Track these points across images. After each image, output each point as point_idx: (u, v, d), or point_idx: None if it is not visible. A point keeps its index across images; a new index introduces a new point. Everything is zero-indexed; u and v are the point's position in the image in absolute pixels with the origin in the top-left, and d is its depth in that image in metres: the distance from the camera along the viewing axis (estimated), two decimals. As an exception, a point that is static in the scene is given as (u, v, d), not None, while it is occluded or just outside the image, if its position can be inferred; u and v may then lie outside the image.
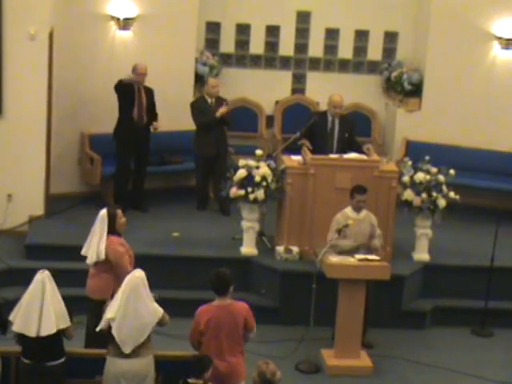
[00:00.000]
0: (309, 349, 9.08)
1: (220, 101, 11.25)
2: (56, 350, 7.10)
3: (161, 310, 7.12)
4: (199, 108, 11.21)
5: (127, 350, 6.95)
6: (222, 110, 11.08)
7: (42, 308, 6.94)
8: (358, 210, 9.13)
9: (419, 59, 12.61)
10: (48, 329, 6.94)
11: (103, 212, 8.10)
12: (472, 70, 12.30)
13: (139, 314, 6.98)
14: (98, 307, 7.61)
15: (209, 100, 11.26)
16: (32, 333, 6.93)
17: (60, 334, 7.08)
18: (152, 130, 11.10)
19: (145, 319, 7.00)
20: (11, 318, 7.07)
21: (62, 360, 7.13)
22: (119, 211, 8.19)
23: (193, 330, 7.20)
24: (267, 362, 6.27)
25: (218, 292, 7.19)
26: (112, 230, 8.07)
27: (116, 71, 11.28)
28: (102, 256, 7.99)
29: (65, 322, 7.06)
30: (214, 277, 7.20)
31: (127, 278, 7.08)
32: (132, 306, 6.97)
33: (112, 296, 7.36)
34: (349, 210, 9.16)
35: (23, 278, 9.69)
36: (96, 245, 8.03)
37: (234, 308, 7.19)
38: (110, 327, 7.00)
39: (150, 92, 11.13)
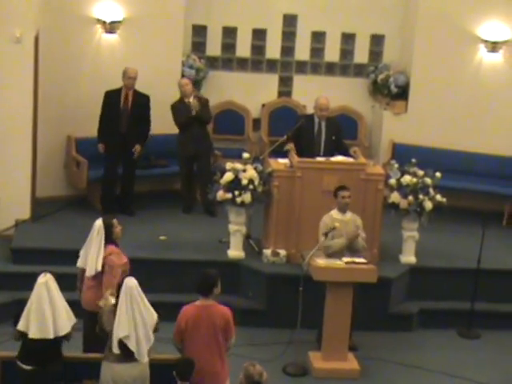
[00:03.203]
0: (296, 351, 9.08)
1: (200, 100, 11.32)
2: (57, 354, 7.11)
3: (155, 314, 7.12)
4: (176, 108, 11.28)
5: (145, 358, 6.95)
6: (195, 106, 11.19)
7: (53, 309, 6.96)
8: (343, 210, 9.13)
9: (406, 62, 12.64)
10: (65, 328, 6.99)
11: (99, 223, 8.01)
12: (458, 73, 12.33)
13: (145, 321, 7.00)
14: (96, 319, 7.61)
15: (186, 100, 11.28)
16: (50, 334, 6.93)
17: (60, 337, 7.07)
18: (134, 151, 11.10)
19: (149, 323, 7.02)
20: (21, 327, 7.02)
21: (61, 363, 7.13)
22: (115, 220, 8.13)
23: (175, 330, 7.23)
24: (253, 363, 6.27)
25: (200, 292, 7.21)
26: (109, 239, 8.02)
27: (102, 74, 11.27)
28: (99, 268, 7.92)
29: (73, 320, 7.12)
30: (198, 277, 7.23)
31: (122, 291, 7.04)
32: (138, 316, 6.97)
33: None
34: (334, 212, 9.17)
35: (9, 282, 9.73)
36: (95, 257, 7.94)
37: (215, 310, 7.21)
38: (124, 344, 6.96)
39: (142, 98, 11.13)
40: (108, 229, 7.99)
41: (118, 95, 11.05)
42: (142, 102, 11.15)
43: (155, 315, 7.13)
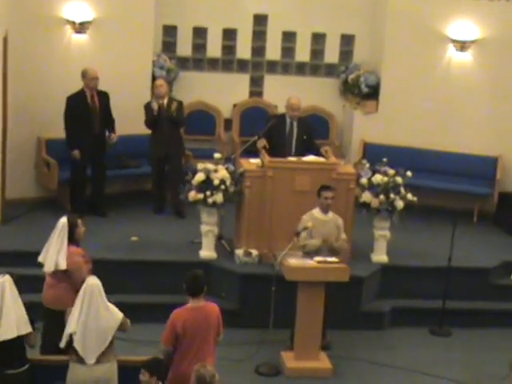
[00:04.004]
0: (269, 351, 9.09)
1: (172, 102, 11.28)
2: (18, 358, 7.00)
3: (120, 315, 7.06)
4: (147, 108, 11.26)
5: (91, 360, 6.90)
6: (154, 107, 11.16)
7: (1, 312, 6.84)
8: (325, 210, 9.14)
9: (376, 62, 12.69)
10: (8, 333, 6.84)
11: (63, 220, 7.94)
12: (428, 72, 12.40)
13: (99, 322, 6.93)
14: (57, 317, 7.53)
15: (159, 101, 11.25)
16: None
17: (22, 341, 6.99)
18: (108, 141, 11.08)
19: (105, 326, 6.96)
20: None
21: (26, 367, 7.04)
22: (79, 220, 8.08)
23: (168, 334, 7.08)
24: (204, 365, 6.26)
25: (192, 293, 7.14)
26: (71, 239, 7.98)
27: (72, 75, 11.19)
28: (63, 267, 7.84)
29: (26, 328, 6.97)
30: (189, 278, 7.16)
31: (82, 288, 7.02)
32: (92, 315, 6.92)
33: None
34: (316, 211, 9.18)
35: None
36: (55, 254, 7.86)
37: (208, 310, 7.18)
38: (71, 341, 6.93)
39: (104, 96, 11.11)
40: (71, 228, 7.93)
41: (83, 97, 10.99)
42: (106, 100, 11.15)
43: (119, 316, 7.06)
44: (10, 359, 6.95)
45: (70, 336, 6.94)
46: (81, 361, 6.94)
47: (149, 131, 11.36)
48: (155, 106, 11.15)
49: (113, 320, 7.00)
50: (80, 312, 6.92)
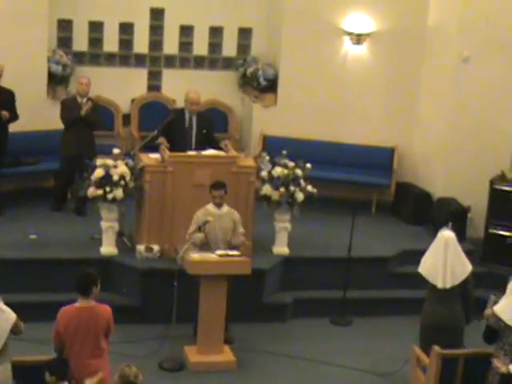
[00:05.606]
0: (172, 347, 9.06)
1: (91, 102, 11.16)
2: None
3: (14, 316, 6.90)
4: (66, 105, 11.11)
5: None
6: (86, 107, 11.00)
7: None
8: (218, 206, 9.17)
9: (273, 55, 12.77)
10: None
11: None
12: (325, 65, 12.54)
13: None
14: None
15: (79, 99, 11.10)
16: None
17: None
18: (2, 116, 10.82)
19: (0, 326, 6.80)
20: None
21: None
22: None
23: (54, 332, 7.08)
24: (129, 364, 6.24)
25: (80, 291, 7.08)
26: None
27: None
28: None
29: None
30: (77, 275, 7.10)
31: None
32: None
33: None
34: (210, 206, 9.19)
35: None
36: None
37: (97, 310, 7.09)
38: None
39: (7, 94, 10.85)
40: None
41: None
42: (9, 98, 10.89)
43: (13, 316, 6.91)
44: None
45: None
46: None
47: (45, 127, 11.16)
48: (89, 105, 10.95)
49: (6, 321, 6.83)
50: None
